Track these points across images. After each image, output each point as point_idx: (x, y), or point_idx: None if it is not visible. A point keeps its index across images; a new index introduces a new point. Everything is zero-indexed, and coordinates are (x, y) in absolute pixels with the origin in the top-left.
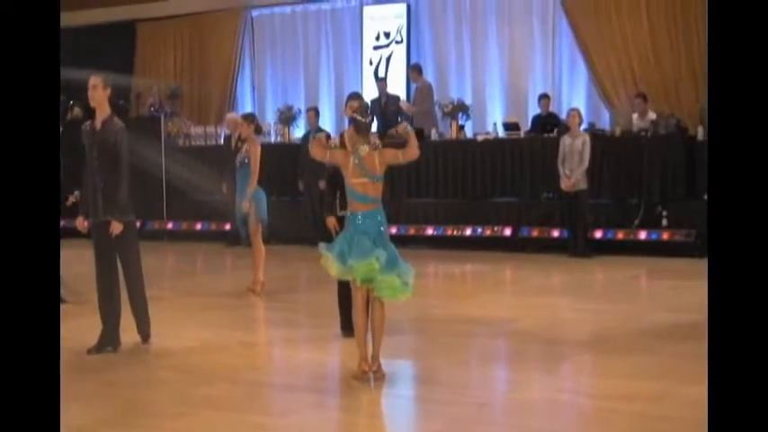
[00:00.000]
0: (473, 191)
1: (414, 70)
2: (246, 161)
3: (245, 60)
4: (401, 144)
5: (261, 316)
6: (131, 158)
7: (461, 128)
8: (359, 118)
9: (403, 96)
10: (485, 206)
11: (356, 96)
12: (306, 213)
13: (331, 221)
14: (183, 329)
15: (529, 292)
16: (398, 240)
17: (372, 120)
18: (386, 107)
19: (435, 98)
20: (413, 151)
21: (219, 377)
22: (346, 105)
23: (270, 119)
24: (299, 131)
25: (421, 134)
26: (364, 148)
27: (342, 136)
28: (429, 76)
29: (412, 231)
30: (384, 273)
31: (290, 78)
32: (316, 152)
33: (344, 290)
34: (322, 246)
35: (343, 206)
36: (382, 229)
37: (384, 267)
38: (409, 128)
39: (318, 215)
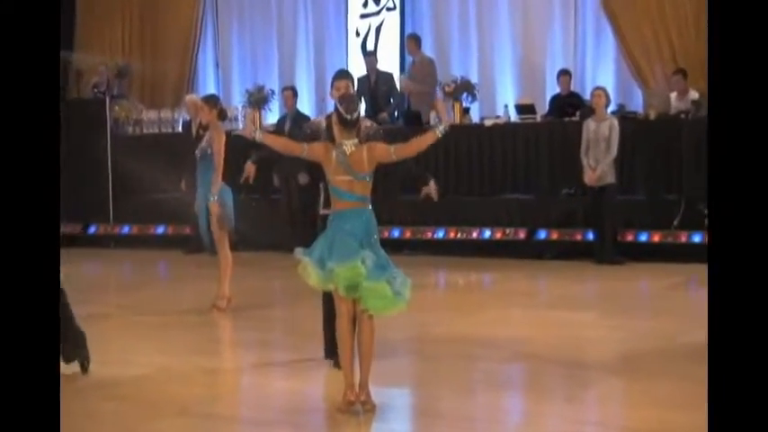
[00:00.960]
0: (480, 186)
1: (411, 41)
2: (209, 152)
3: (207, 32)
4: (392, 131)
5: (227, 337)
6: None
7: (466, 111)
8: (344, 114)
9: (396, 74)
10: (494, 204)
11: (344, 76)
12: (282, 214)
13: (250, 168)
14: (134, 354)
15: (546, 305)
16: (391, 245)
17: (359, 111)
18: (376, 87)
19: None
20: (411, 149)
21: (175, 410)
22: (332, 86)
23: (237, 101)
24: (272, 116)
25: (418, 119)
26: (349, 144)
27: (329, 119)
28: (427, 49)
29: (407, 235)
30: (371, 279)
31: (262, 54)
32: (287, 147)
33: (330, 306)
34: (299, 250)
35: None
36: (371, 230)
37: (371, 272)
38: (440, 127)
39: (298, 215)
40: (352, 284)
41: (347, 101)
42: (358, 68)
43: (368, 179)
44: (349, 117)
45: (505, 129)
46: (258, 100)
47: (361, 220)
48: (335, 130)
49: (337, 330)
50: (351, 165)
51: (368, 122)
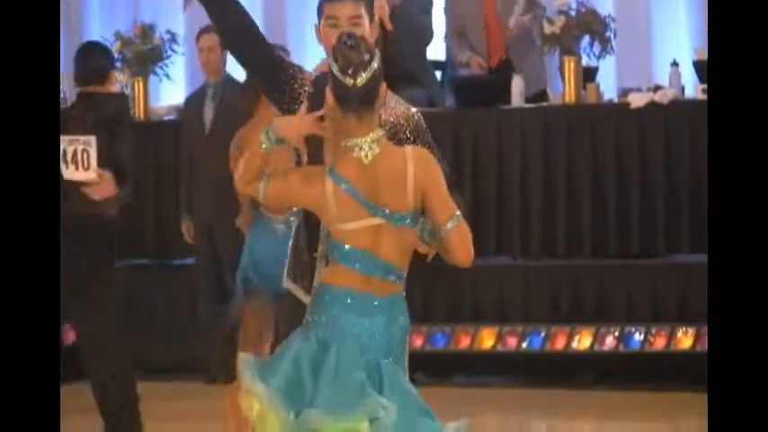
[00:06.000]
0: (621, 239)
1: None
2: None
3: None
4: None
5: None
6: None
7: (590, 75)
8: (341, 77)
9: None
10: (652, 273)
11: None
12: (199, 296)
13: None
14: None
15: None
16: (428, 367)
17: (376, 68)
18: (397, 23)
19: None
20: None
21: None
22: (321, 17)
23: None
24: (172, 89)
25: (500, 92)
26: (367, 143)
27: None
28: None
29: (464, 342)
30: None
31: None
32: (244, 184)
33: None
34: (244, 361)
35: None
36: (396, 344)
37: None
38: (450, 225)
39: (233, 296)
40: None
41: (349, 47)
42: None
43: (409, 223)
44: (352, 81)
45: (674, 113)
46: (142, 56)
47: (387, 319)
48: (335, 130)
49: None
50: (373, 187)
51: (400, 105)
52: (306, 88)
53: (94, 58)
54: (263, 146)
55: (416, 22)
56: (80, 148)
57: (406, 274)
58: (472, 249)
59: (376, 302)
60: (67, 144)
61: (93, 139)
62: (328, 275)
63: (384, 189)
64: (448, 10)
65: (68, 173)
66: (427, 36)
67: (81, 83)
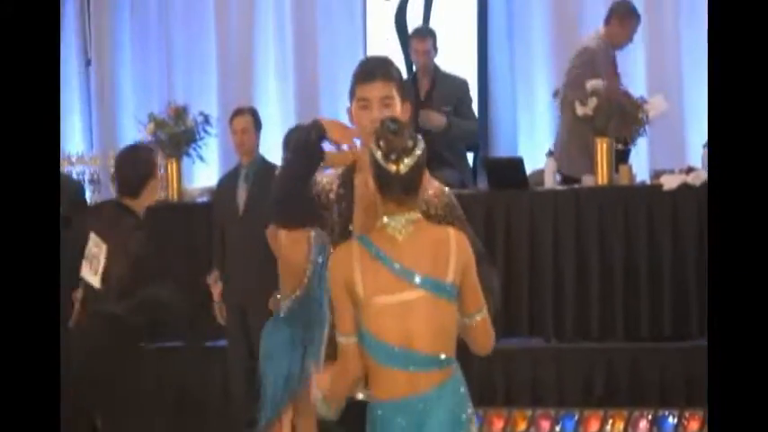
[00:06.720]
0: (654, 322)
1: None
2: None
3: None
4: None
5: None
6: None
7: (621, 157)
8: (383, 162)
9: (473, 77)
10: (689, 358)
11: (381, 68)
12: (232, 379)
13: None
14: None
15: None
16: None
17: (418, 155)
18: (430, 103)
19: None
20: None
21: None
22: (353, 97)
23: (130, 139)
24: (205, 170)
25: (517, 178)
26: (401, 222)
27: (348, 174)
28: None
29: (497, 425)
30: None
31: (183, 40)
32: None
33: None
34: None
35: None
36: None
37: None
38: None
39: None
40: None
41: (392, 132)
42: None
43: (449, 295)
44: (395, 168)
45: (706, 195)
46: (176, 137)
47: (446, 408)
48: (369, 209)
49: None
50: (410, 257)
51: (433, 182)
52: (334, 190)
53: (129, 168)
54: (325, 412)
55: (458, 106)
56: (94, 250)
57: (454, 355)
58: (494, 340)
59: (420, 406)
60: (92, 243)
61: (105, 248)
62: (374, 386)
63: (422, 258)
64: (570, 83)
65: (83, 269)
66: (465, 124)
67: (117, 190)
